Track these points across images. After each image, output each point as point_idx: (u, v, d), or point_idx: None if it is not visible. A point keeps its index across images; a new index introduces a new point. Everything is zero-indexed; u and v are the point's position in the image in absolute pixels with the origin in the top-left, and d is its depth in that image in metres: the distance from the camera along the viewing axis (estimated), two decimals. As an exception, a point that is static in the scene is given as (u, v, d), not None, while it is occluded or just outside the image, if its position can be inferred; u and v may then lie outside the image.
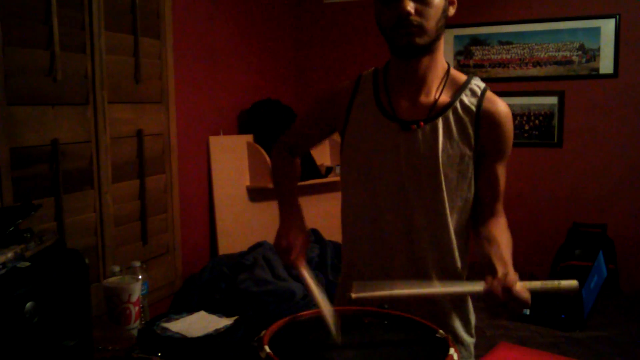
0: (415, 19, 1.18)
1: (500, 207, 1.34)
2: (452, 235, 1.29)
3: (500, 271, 1.13)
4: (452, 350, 0.95)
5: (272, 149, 1.59)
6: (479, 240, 1.29)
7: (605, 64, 3.62)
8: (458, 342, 1.34)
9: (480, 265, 1.23)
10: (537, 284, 1.08)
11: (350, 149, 1.36)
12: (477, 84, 1.31)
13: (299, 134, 1.52)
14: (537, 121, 3.81)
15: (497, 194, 1.32)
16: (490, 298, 1.07)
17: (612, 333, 2.87)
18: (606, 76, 3.63)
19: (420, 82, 1.29)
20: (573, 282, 1.06)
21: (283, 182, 1.51)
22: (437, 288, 1.21)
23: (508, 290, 1.05)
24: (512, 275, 1.09)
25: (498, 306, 1.07)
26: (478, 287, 1.10)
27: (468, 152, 1.27)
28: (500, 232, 1.27)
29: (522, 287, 1.06)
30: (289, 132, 1.53)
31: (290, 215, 1.41)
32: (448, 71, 1.31)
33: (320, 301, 1.13)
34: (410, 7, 1.17)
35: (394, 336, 1.07)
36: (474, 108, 1.27)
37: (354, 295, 1.10)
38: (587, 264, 3.33)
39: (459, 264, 1.32)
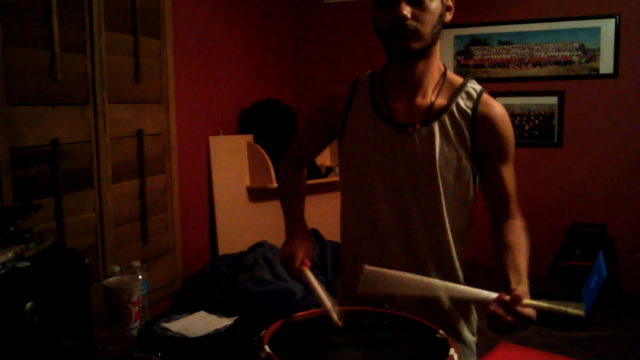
0: (411, 23, 1.18)
1: (513, 209, 1.32)
2: (449, 236, 1.29)
3: (513, 283, 1.11)
4: (452, 351, 0.95)
5: (275, 156, 1.60)
6: (496, 247, 1.27)
7: (605, 64, 3.62)
8: (460, 340, 1.34)
9: (496, 275, 1.22)
10: (544, 305, 1.05)
11: (348, 152, 1.36)
12: (473, 86, 1.31)
13: (302, 145, 1.52)
14: (537, 121, 3.81)
15: (506, 196, 1.31)
16: (494, 316, 1.05)
17: (612, 333, 2.86)
18: (606, 76, 3.63)
19: (416, 86, 1.29)
20: (579, 311, 1.03)
21: (288, 197, 1.51)
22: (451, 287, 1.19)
23: (512, 310, 1.03)
24: (521, 291, 1.06)
25: (501, 324, 1.05)
26: (486, 296, 1.08)
27: (465, 155, 1.27)
28: (516, 237, 1.25)
29: (529, 305, 1.04)
30: (292, 145, 1.54)
31: (294, 229, 1.42)
32: (444, 74, 1.32)
33: (325, 299, 1.13)
34: (407, 11, 1.17)
35: (394, 336, 1.07)
36: (469, 111, 1.27)
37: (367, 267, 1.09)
38: (587, 264, 3.32)
39: (457, 265, 1.32)
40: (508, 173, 1.31)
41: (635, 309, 3.18)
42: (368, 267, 1.10)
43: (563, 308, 1.04)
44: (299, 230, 1.41)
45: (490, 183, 1.31)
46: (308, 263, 1.31)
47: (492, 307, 1.05)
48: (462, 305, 1.35)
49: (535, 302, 1.05)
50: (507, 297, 1.05)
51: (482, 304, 1.10)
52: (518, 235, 1.27)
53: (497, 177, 1.30)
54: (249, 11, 3.74)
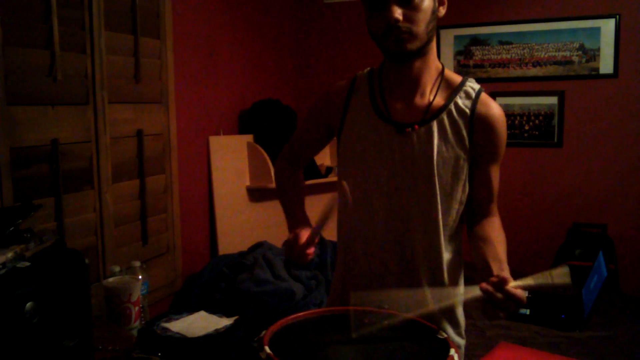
0: (404, 25, 1.18)
1: (494, 208, 1.34)
2: (441, 236, 1.29)
3: (495, 271, 1.13)
4: (452, 351, 0.95)
5: (275, 156, 1.58)
6: (474, 240, 1.29)
7: (605, 64, 3.62)
8: None
9: (475, 266, 1.23)
10: (529, 280, 1.07)
11: (346, 150, 1.36)
12: (472, 85, 1.31)
13: (300, 143, 1.51)
14: (537, 121, 3.81)
15: (491, 194, 1.33)
16: (486, 300, 1.07)
17: (612, 333, 2.87)
18: (606, 76, 3.63)
19: (414, 84, 1.30)
20: (564, 270, 1.05)
21: (288, 195, 1.49)
22: (437, 300, 1.20)
23: (502, 289, 1.05)
24: (506, 275, 1.09)
25: (494, 307, 1.06)
26: (475, 292, 1.09)
27: (462, 155, 1.27)
28: (495, 232, 1.28)
29: (515, 286, 1.06)
30: (289, 143, 1.53)
31: (297, 222, 1.38)
32: (442, 72, 1.32)
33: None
34: (398, 13, 1.17)
35: (394, 336, 1.07)
36: (468, 111, 1.28)
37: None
38: (587, 264, 3.32)
39: (444, 264, 1.31)
40: (495, 173, 1.33)
41: (635, 309, 3.18)
42: (353, 293, 1.12)
43: (548, 275, 1.06)
44: (302, 222, 1.38)
45: (477, 181, 1.32)
46: (312, 247, 1.25)
47: (484, 286, 1.06)
48: (448, 309, 1.34)
49: (521, 282, 1.07)
50: (494, 279, 1.07)
51: (475, 297, 1.10)
52: (498, 231, 1.29)
53: (486, 176, 1.32)
54: (249, 11, 3.74)
